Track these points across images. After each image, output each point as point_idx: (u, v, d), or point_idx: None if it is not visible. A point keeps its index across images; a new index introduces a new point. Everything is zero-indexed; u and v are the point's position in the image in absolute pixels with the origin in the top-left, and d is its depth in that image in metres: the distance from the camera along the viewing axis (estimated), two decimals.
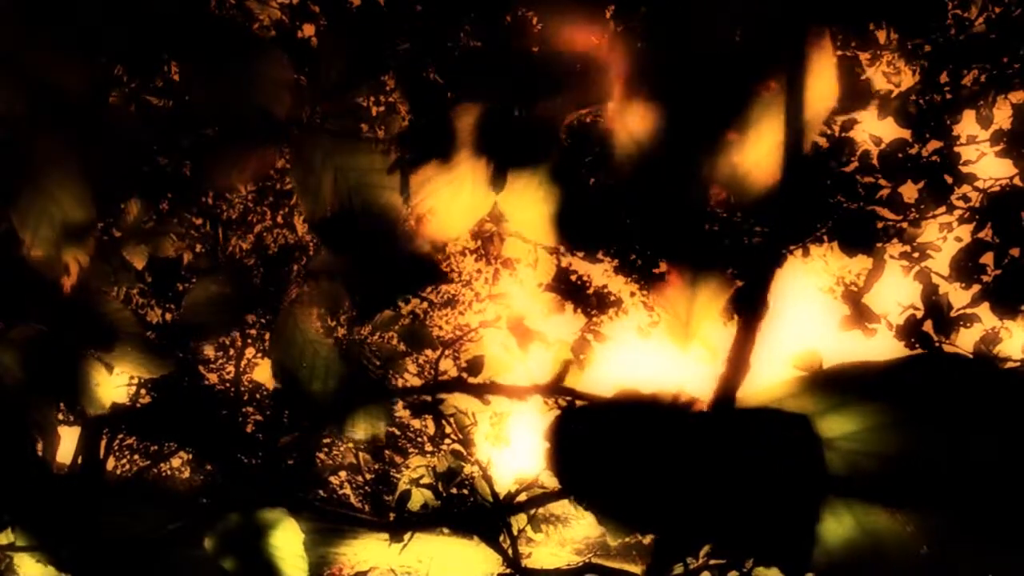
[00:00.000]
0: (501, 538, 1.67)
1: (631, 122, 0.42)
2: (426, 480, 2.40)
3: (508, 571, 1.66)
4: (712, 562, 1.92)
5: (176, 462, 19.27)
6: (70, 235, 1.20)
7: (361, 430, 1.45)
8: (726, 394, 0.38)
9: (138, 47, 1.03)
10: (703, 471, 0.37)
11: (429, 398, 2.33)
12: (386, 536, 1.64)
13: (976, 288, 4.41)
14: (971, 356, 0.42)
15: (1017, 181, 4.57)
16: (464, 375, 2.26)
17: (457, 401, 2.37)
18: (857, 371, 0.41)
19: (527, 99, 1.05)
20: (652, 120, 0.42)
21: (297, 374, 1.35)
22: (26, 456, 1.33)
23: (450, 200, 1.15)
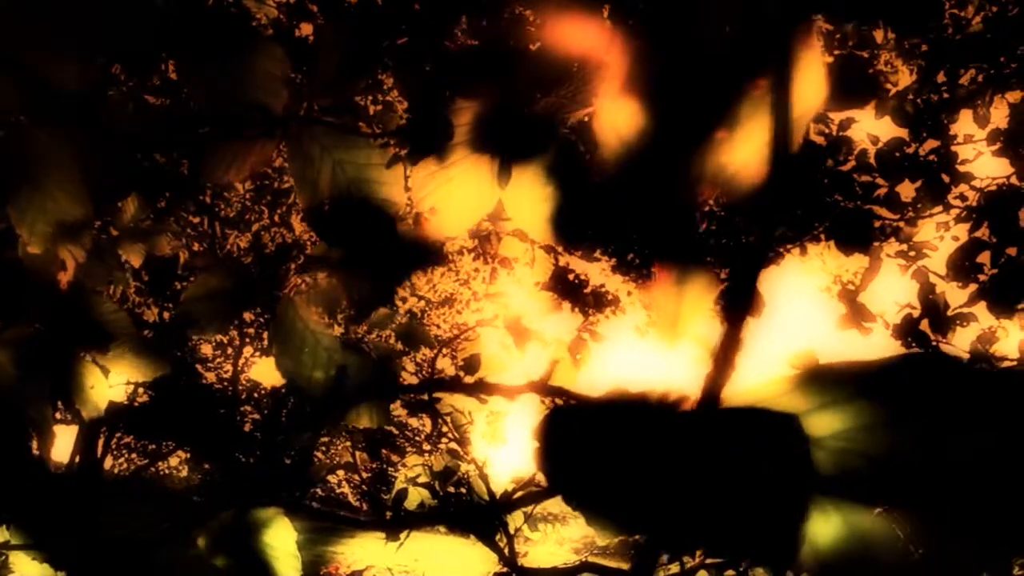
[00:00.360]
0: (498, 537, 1.67)
1: (617, 119, 0.42)
2: (423, 479, 2.40)
3: (504, 570, 1.66)
4: (708, 561, 1.93)
5: (174, 461, 19.27)
6: (66, 232, 1.20)
7: (367, 417, 1.45)
8: (712, 393, 0.38)
9: (136, 44, 1.03)
10: (689, 471, 0.37)
11: (426, 396, 2.33)
12: (382, 535, 1.63)
13: (973, 287, 4.42)
14: (966, 355, 0.42)
15: (1014, 180, 4.58)
16: (461, 374, 2.26)
17: (454, 400, 2.37)
18: (846, 370, 0.41)
19: (525, 97, 1.05)
20: (639, 117, 0.42)
21: (299, 363, 1.35)
22: (22, 453, 1.33)
23: (453, 197, 1.15)
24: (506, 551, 1.64)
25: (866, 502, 0.40)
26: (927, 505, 0.39)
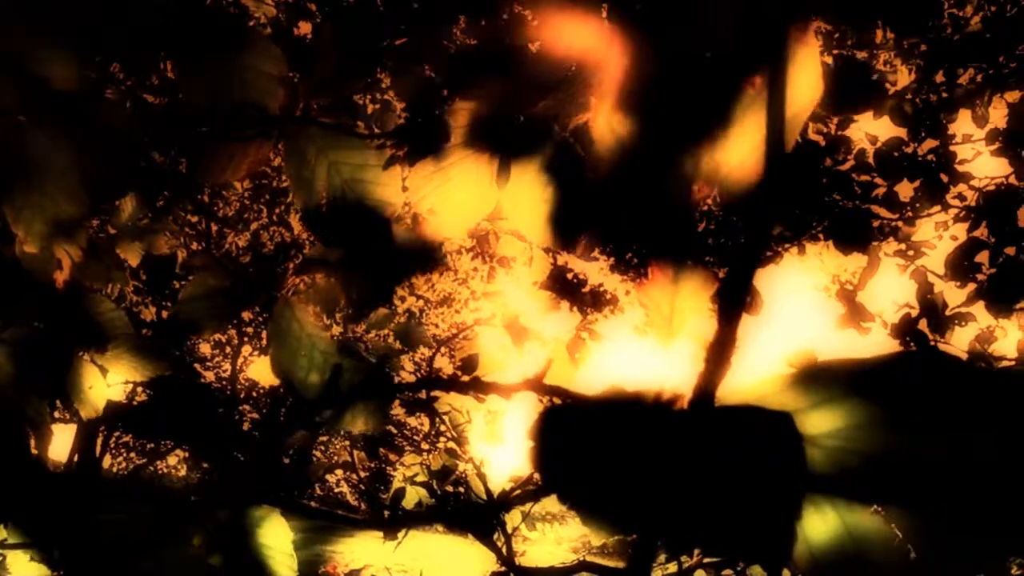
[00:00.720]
0: (495, 536, 1.67)
1: (614, 119, 0.42)
2: (421, 478, 2.40)
3: (502, 569, 1.66)
4: (706, 560, 1.93)
5: (172, 460, 19.25)
6: (63, 231, 1.20)
7: (361, 421, 1.45)
8: (706, 391, 0.38)
9: (133, 42, 1.03)
10: (683, 469, 0.37)
11: (424, 395, 2.33)
12: (380, 534, 1.63)
13: (971, 287, 4.42)
14: (964, 355, 0.42)
15: (1013, 180, 4.58)
16: (459, 373, 2.26)
17: (452, 399, 2.37)
18: (841, 368, 0.41)
19: (523, 98, 1.05)
20: (635, 117, 0.42)
21: (295, 365, 1.35)
22: (20, 452, 1.33)
23: (451, 198, 1.15)
24: (504, 550, 1.64)
25: (861, 500, 0.40)
26: (923, 504, 0.39)
